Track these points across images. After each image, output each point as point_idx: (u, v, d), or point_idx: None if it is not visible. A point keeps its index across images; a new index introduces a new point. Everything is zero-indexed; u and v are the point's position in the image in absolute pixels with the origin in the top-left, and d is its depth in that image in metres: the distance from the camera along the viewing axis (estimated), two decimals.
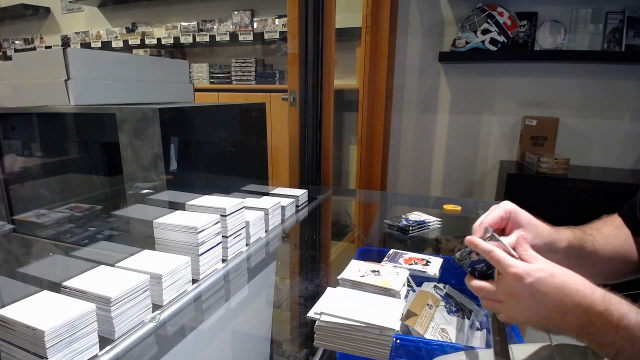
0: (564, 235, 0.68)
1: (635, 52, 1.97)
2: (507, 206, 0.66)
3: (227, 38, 2.97)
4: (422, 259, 0.93)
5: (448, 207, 1.50)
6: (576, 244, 0.68)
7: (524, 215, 0.66)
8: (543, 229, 0.66)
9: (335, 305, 0.66)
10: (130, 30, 3.45)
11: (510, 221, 0.66)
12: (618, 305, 0.50)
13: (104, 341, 0.63)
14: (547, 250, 0.65)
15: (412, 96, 2.48)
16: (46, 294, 0.62)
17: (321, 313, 0.63)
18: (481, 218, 0.66)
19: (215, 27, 3.13)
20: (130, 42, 3.36)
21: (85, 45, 3.61)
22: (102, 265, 0.73)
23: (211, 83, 3.08)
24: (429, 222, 1.34)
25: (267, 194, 1.36)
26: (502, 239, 0.60)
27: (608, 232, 0.71)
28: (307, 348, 0.81)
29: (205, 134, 1.25)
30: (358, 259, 0.95)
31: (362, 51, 2.12)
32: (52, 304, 0.59)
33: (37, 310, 0.57)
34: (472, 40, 2.07)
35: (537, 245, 0.63)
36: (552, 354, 0.68)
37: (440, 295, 0.98)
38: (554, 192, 1.92)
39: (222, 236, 0.93)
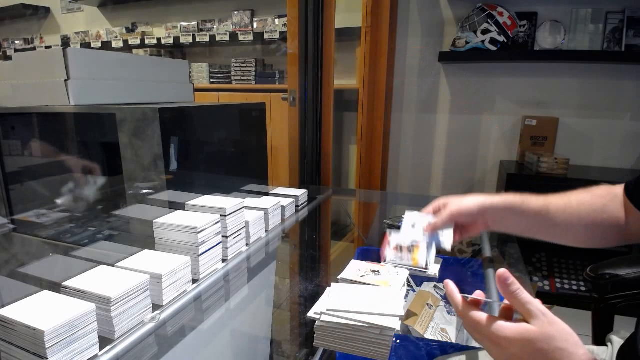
0: (532, 201, 0.75)
1: (635, 52, 1.97)
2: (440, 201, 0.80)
3: (227, 38, 2.97)
4: None
5: None
6: (544, 211, 0.74)
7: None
8: (477, 198, 0.76)
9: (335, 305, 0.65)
10: (130, 30, 3.45)
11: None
12: None
13: (104, 341, 0.63)
14: (512, 213, 0.74)
15: (412, 96, 2.48)
16: (46, 294, 0.62)
17: (321, 313, 0.63)
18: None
19: (215, 27, 3.13)
20: (130, 42, 3.36)
21: (85, 45, 3.61)
22: (102, 265, 0.73)
23: (211, 83, 3.08)
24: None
25: (267, 194, 1.36)
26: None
27: (583, 201, 0.73)
28: (307, 348, 0.80)
29: (205, 134, 1.25)
30: (358, 259, 0.95)
31: (362, 51, 2.12)
32: (52, 304, 0.59)
33: (37, 310, 0.57)
34: (472, 40, 2.07)
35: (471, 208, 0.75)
36: None
37: (440, 295, 0.98)
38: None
39: (222, 236, 0.93)
